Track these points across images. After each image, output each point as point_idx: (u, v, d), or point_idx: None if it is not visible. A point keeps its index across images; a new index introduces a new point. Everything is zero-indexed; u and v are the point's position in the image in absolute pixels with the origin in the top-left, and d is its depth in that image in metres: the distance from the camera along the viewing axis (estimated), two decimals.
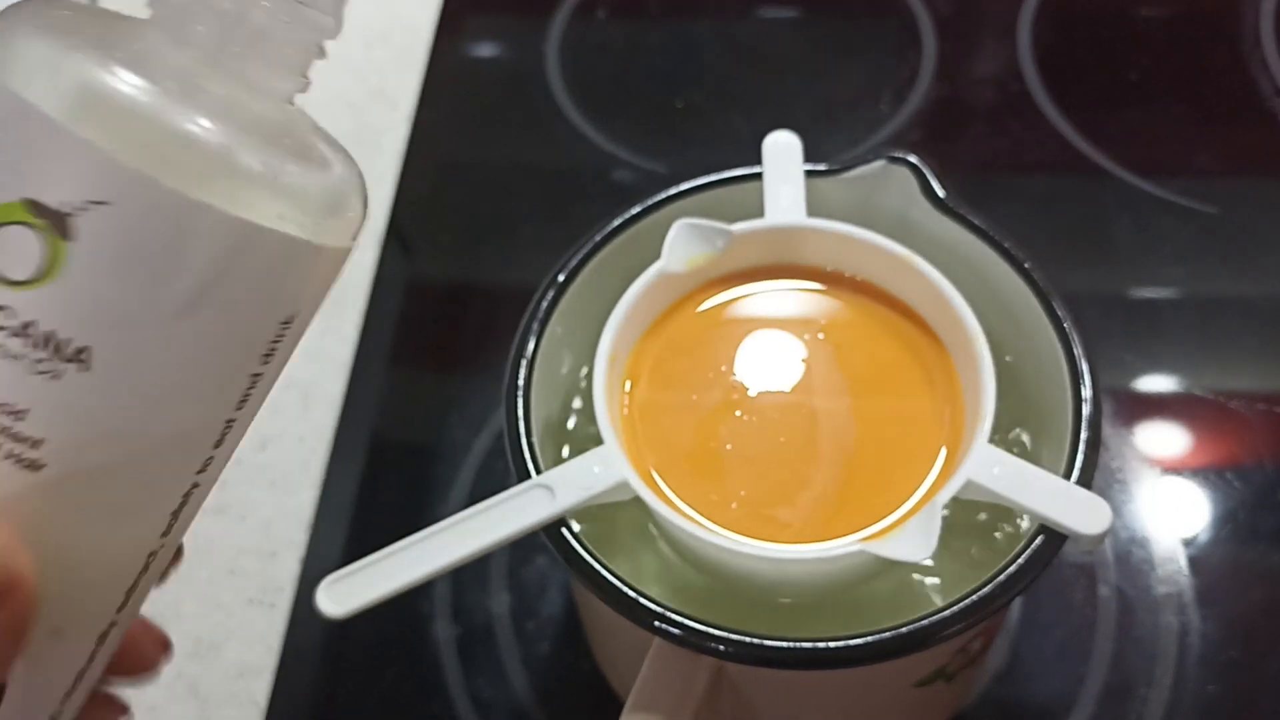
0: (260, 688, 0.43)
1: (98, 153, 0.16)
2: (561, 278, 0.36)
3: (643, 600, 0.30)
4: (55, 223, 0.17)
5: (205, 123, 0.17)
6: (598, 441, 0.32)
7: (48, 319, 0.17)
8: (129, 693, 0.43)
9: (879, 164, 0.37)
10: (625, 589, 0.30)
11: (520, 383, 0.34)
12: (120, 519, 0.19)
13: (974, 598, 0.29)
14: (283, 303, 0.19)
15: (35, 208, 0.17)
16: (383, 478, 0.49)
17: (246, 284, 0.18)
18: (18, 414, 0.17)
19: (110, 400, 0.17)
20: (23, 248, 0.17)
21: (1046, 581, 0.44)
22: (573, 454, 0.36)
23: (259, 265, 0.18)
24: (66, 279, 0.17)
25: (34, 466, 0.17)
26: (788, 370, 0.35)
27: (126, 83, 0.17)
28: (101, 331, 0.17)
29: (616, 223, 0.37)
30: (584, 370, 0.37)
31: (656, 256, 0.35)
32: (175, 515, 0.19)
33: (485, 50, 0.66)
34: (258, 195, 0.18)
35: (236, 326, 0.18)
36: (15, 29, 0.17)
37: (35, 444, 0.17)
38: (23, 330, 0.17)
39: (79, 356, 0.17)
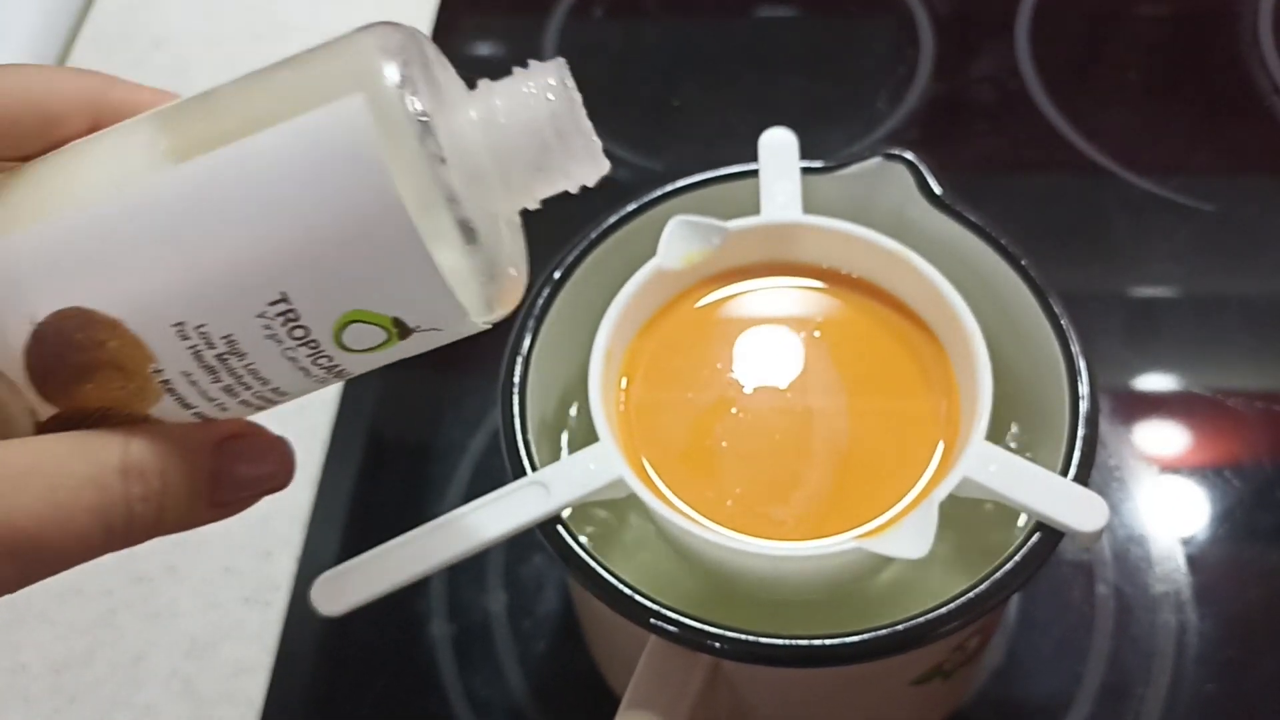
0: (256, 686, 0.43)
1: (459, 308, 0.22)
2: (557, 275, 0.36)
3: (638, 598, 0.30)
4: (402, 331, 0.23)
5: (511, 272, 0.24)
6: (593, 439, 0.32)
7: (350, 366, 0.23)
8: (126, 696, 0.43)
9: (875, 161, 0.37)
10: (621, 587, 0.30)
11: (516, 380, 0.34)
12: None
13: (970, 595, 0.29)
14: None
15: (398, 323, 0.22)
16: (379, 477, 0.49)
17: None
18: (281, 393, 0.24)
19: (335, 380, 0.24)
20: (369, 337, 0.23)
21: (1044, 580, 0.44)
22: (569, 452, 0.36)
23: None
24: (379, 353, 0.23)
25: (261, 410, 0.24)
26: (784, 368, 0.35)
27: (483, 254, 0.23)
28: (369, 366, 0.24)
29: (612, 220, 0.37)
30: (580, 368, 0.37)
31: (652, 253, 0.35)
32: None
33: (482, 49, 0.66)
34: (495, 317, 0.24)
35: None
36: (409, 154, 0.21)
37: (273, 403, 0.24)
38: (330, 367, 0.23)
39: (345, 374, 0.24)
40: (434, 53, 0.23)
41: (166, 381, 0.22)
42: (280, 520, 0.47)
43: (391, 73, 0.21)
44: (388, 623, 0.44)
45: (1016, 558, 0.30)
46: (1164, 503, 0.46)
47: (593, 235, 0.36)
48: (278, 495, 0.47)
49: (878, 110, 0.59)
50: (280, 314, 0.22)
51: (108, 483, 0.22)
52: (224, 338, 0.22)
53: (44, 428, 0.23)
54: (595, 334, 0.34)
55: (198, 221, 0.21)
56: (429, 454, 0.49)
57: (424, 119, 0.21)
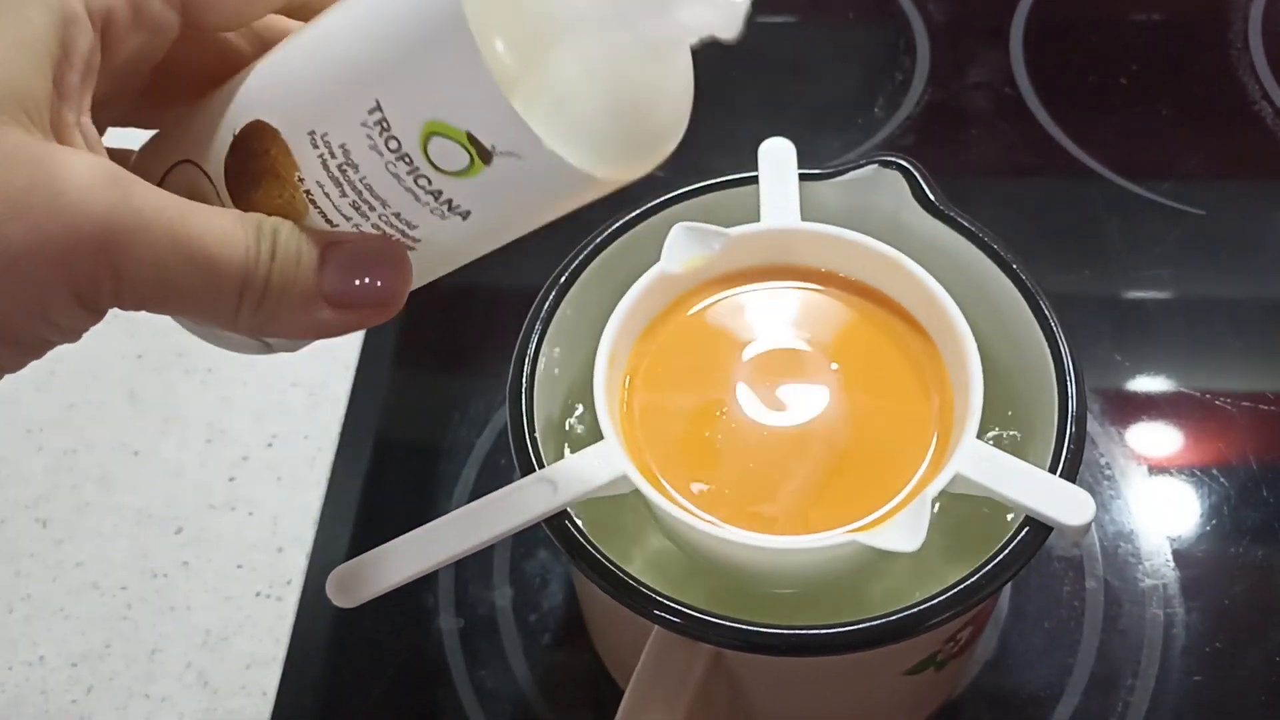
0: (269, 678, 0.44)
1: (526, 129, 0.23)
2: (564, 278, 0.37)
3: (643, 589, 0.31)
4: (481, 153, 0.24)
5: (611, 121, 0.25)
6: (598, 438, 0.33)
7: (454, 195, 0.25)
8: (142, 688, 0.44)
9: (871, 168, 0.38)
10: (626, 578, 0.31)
11: (524, 380, 0.35)
12: None
13: (961, 587, 0.31)
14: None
15: (473, 140, 0.24)
16: (387, 475, 0.50)
17: (569, 201, 0.27)
18: (411, 225, 0.26)
19: (467, 230, 0.26)
20: (454, 156, 0.24)
21: (1035, 574, 0.45)
22: (574, 451, 0.37)
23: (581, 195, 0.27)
24: (475, 180, 0.25)
25: (410, 249, 0.27)
26: (782, 368, 0.36)
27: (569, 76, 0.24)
28: (483, 206, 0.26)
29: (616, 225, 0.38)
30: (585, 369, 0.38)
31: (656, 258, 0.36)
32: None
33: None
34: (613, 172, 0.26)
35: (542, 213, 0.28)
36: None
37: (415, 240, 0.27)
38: (436, 195, 0.25)
39: (462, 213, 0.26)
40: None
41: (308, 192, 0.26)
42: (291, 518, 0.48)
43: None
44: (397, 617, 0.45)
45: (1005, 552, 0.31)
46: (1153, 500, 0.47)
47: (598, 240, 0.38)
48: (288, 493, 0.48)
49: (874, 117, 0.60)
50: (377, 123, 0.24)
51: (248, 232, 0.25)
52: (340, 146, 0.25)
53: None
54: (600, 336, 0.35)
55: (324, 36, 0.25)
56: (436, 454, 0.50)
57: None
